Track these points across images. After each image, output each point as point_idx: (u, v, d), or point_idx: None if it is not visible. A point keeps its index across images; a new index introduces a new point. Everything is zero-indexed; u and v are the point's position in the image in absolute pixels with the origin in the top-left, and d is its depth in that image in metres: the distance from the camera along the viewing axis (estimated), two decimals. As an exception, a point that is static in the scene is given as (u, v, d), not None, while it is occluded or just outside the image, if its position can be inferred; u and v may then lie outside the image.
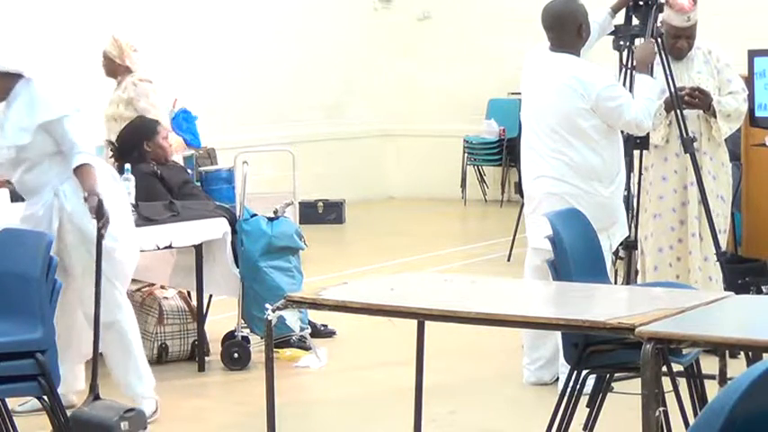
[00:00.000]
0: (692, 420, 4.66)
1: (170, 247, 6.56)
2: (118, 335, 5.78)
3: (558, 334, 5.89)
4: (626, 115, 5.92)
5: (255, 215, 6.99)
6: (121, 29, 8.89)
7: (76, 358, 5.91)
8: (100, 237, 5.49)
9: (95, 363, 5.61)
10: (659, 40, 6.33)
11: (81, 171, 5.55)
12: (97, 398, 5.54)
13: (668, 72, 6.37)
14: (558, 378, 6.07)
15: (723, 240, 6.69)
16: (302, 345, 7.05)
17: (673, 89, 6.43)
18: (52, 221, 5.65)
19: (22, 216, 5.75)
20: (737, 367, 4.32)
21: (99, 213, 5.43)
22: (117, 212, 5.68)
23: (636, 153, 6.48)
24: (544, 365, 6.30)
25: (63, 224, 5.66)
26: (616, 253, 6.55)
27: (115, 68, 8.24)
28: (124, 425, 5.43)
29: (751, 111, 7.58)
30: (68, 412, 5.61)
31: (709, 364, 4.90)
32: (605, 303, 4.44)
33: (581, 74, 6.00)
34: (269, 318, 4.35)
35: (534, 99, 6.12)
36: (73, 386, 5.92)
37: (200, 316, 6.84)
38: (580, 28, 6.06)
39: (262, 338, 6.51)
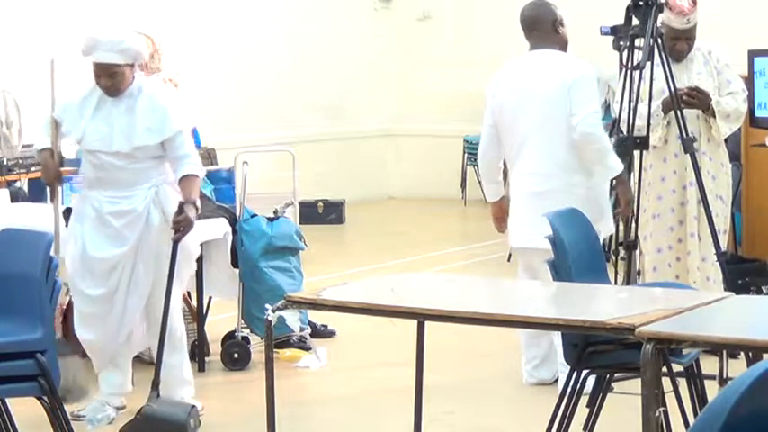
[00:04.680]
0: (692, 420, 4.66)
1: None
2: (179, 339, 5.88)
3: (553, 332, 5.93)
4: (583, 111, 5.98)
5: (255, 215, 6.99)
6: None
7: (129, 353, 5.98)
8: (175, 247, 5.64)
9: (159, 359, 5.68)
10: (659, 40, 6.34)
11: (189, 180, 5.70)
12: (158, 395, 5.62)
13: (668, 73, 6.37)
14: (558, 378, 6.08)
15: (723, 241, 6.69)
16: (302, 345, 7.05)
17: (672, 90, 6.43)
18: (151, 217, 5.71)
19: (112, 211, 5.71)
20: (737, 367, 4.31)
21: (186, 224, 5.57)
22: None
23: (636, 153, 6.47)
24: (540, 364, 6.32)
25: (159, 222, 5.74)
26: (616, 253, 6.55)
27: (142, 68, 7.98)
28: (192, 422, 5.55)
29: (751, 110, 7.58)
30: (117, 413, 5.86)
31: (709, 364, 4.90)
32: (605, 303, 4.44)
33: (564, 62, 6.14)
34: (269, 318, 4.35)
35: (519, 99, 6.17)
36: (126, 388, 6.00)
37: (200, 316, 6.84)
38: (555, 22, 6.22)
39: (262, 338, 6.51)
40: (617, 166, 6.06)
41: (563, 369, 5.97)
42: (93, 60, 5.69)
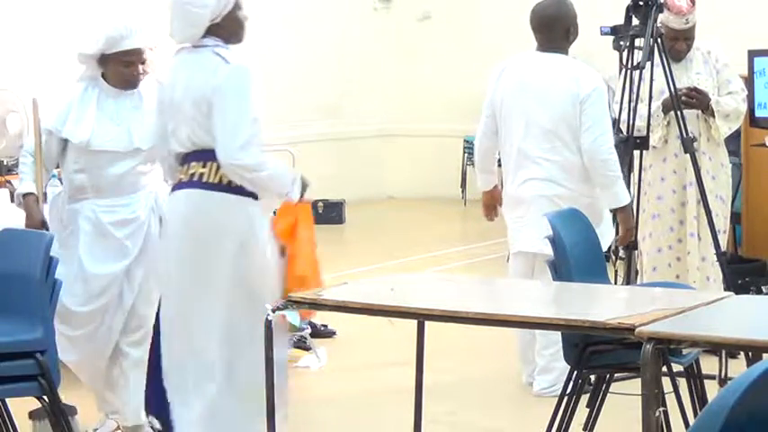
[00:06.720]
0: (692, 420, 4.66)
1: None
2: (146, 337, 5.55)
3: (538, 335, 5.96)
4: (595, 131, 5.91)
5: (255, 215, 6.98)
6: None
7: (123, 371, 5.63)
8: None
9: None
10: (659, 40, 6.34)
11: None
12: None
13: (668, 73, 6.37)
14: (532, 381, 6.17)
15: (723, 240, 6.69)
16: (302, 345, 7.05)
17: (672, 90, 6.43)
18: (151, 225, 5.48)
19: (113, 221, 5.41)
20: (737, 367, 4.32)
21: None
22: None
23: (636, 153, 6.47)
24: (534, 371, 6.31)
25: (157, 233, 5.46)
26: (616, 253, 6.56)
27: None
28: None
29: (751, 110, 7.58)
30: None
31: (709, 364, 4.90)
32: (605, 303, 4.43)
33: (577, 72, 6.03)
34: (269, 318, 4.35)
35: (525, 101, 6.08)
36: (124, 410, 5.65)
37: (200, 316, 6.82)
38: (569, 30, 6.08)
39: (262, 338, 6.49)
40: (623, 198, 5.95)
41: (540, 372, 6.01)
42: (131, 47, 5.43)
